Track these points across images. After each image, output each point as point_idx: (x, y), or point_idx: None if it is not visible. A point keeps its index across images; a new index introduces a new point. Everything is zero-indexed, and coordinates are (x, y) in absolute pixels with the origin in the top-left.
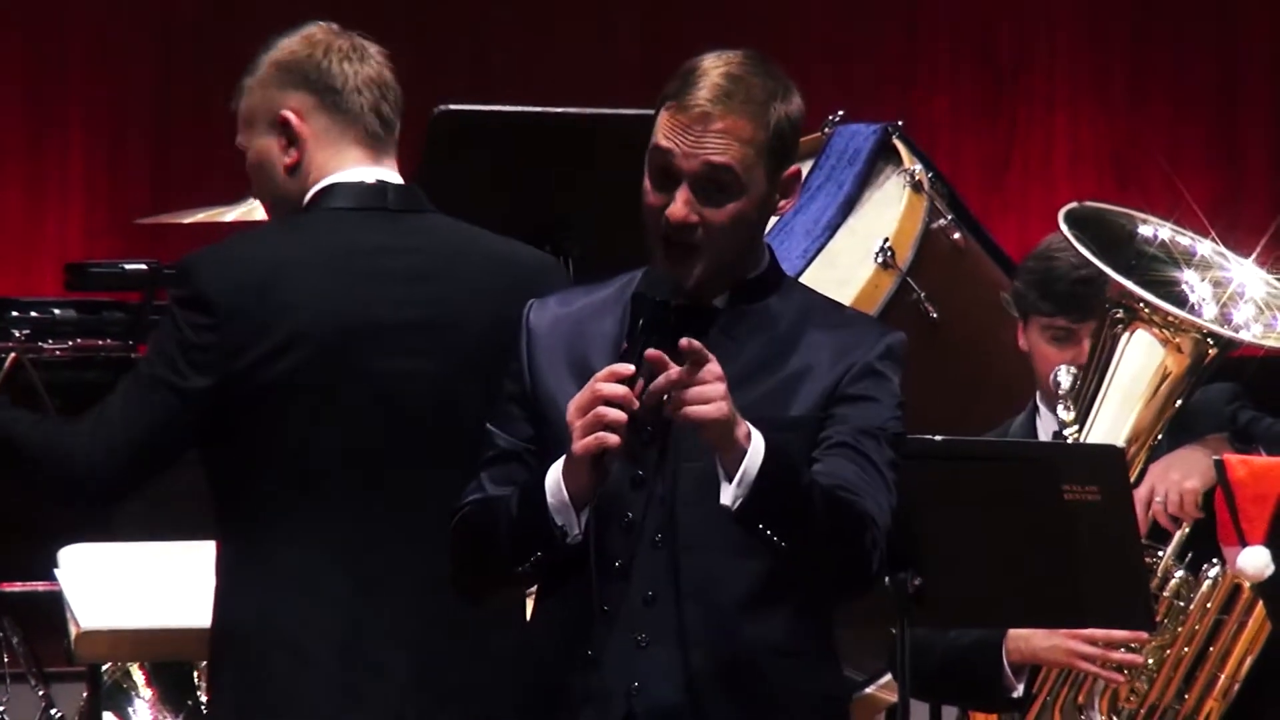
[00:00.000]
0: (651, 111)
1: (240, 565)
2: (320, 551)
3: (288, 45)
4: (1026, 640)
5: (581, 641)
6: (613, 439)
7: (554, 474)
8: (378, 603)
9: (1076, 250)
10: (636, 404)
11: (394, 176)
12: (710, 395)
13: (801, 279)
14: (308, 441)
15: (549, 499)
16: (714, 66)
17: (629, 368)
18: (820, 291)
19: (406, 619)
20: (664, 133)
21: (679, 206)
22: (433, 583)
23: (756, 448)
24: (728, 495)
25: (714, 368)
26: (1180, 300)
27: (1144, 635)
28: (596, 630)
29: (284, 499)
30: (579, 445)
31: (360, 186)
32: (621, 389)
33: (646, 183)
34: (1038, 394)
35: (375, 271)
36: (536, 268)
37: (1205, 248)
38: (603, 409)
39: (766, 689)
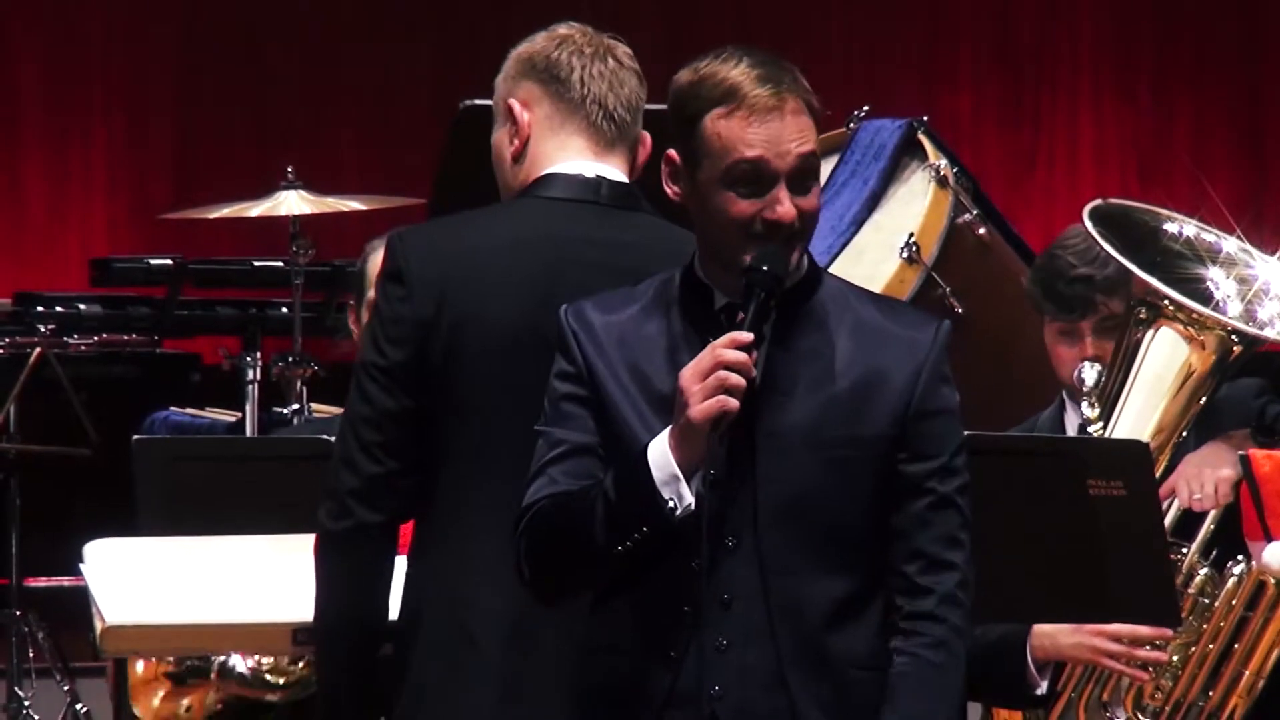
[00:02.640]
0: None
1: (423, 549)
2: (495, 537)
3: (530, 40)
4: (1051, 637)
5: (664, 642)
6: (734, 404)
7: (658, 447)
8: None
9: (1081, 247)
10: (754, 372)
11: (615, 173)
12: None
13: None
14: (483, 424)
15: (655, 473)
16: (735, 60)
17: (748, 336)
18: None
19: (575, 609)
20: (741, 142)
21: (788, 207)
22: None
23: None
24: None
25: None
26: (1205, 297)
27: (1169, 632)
28: (679, 631)
29: (461, 482)
30: (700, 410)
31: (578, 179)
32: (743, 355)
33: (729, 195)
34: (1064, 389)
35: (571, 261)
36: None
37: (1230, 245)
38: (725, 373)
39: (848, 694)
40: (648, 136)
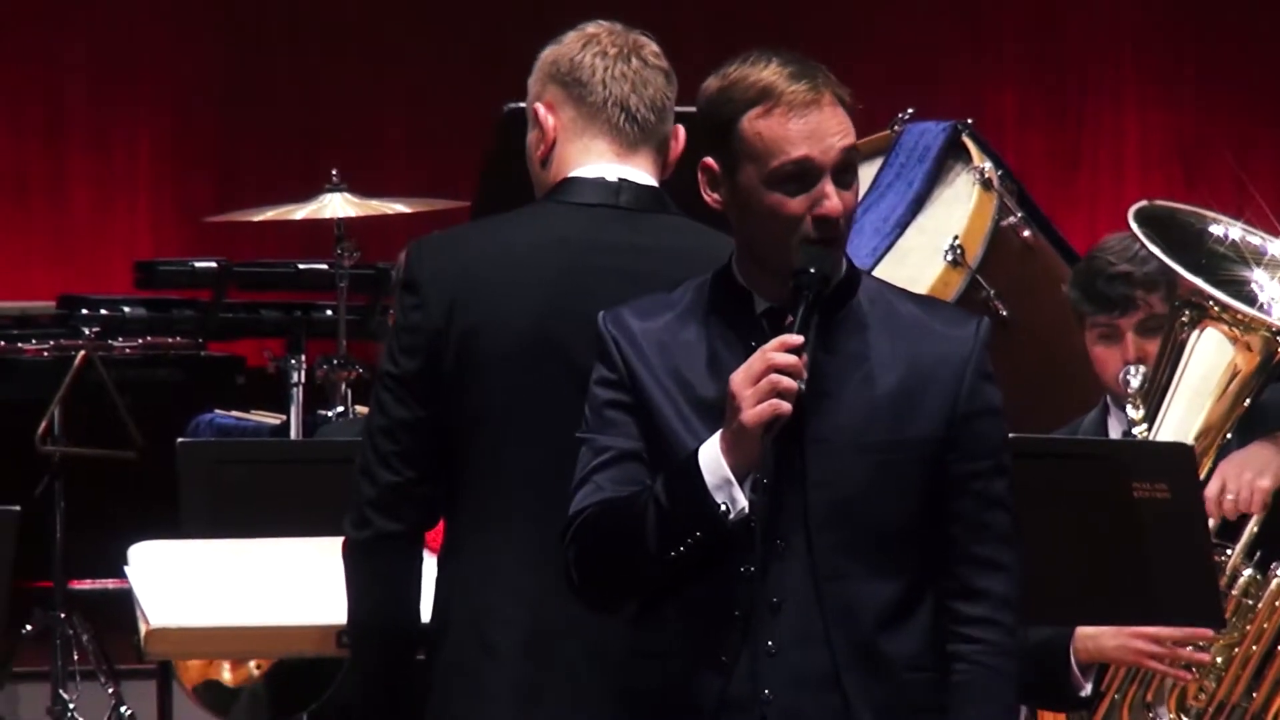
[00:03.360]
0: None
1: (447, 557)
2: (512, 545)
3: (558, 41)
4: (1095, 639)
5: (715, 647)
6: (787, 407)
7: (708, 451)
8: (562, 599)
9: (1119, 247)
10: (805, 375)
11: (640, 175)
12: None
13: None
14: (497, 431)
15: (707, 477)
16: (764, 61)
17: (798, 338)
18: None
19: (588, 616)
20: (785, 140)
21: (836, 201)
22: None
23: None
24: None
25: None
26: (1250, 299)
27: (1209, 633)
28: (729, 635)
29: (479, 490)
30: (753, 414)
31: (599, 183)
32: (794, 358)
33: (775, 196)
34: (1108, 393)
35: (583, 266)
36: None
37: (1276, 247)
38: (777, 377)
39: (902, 695)
40: (681, 130)
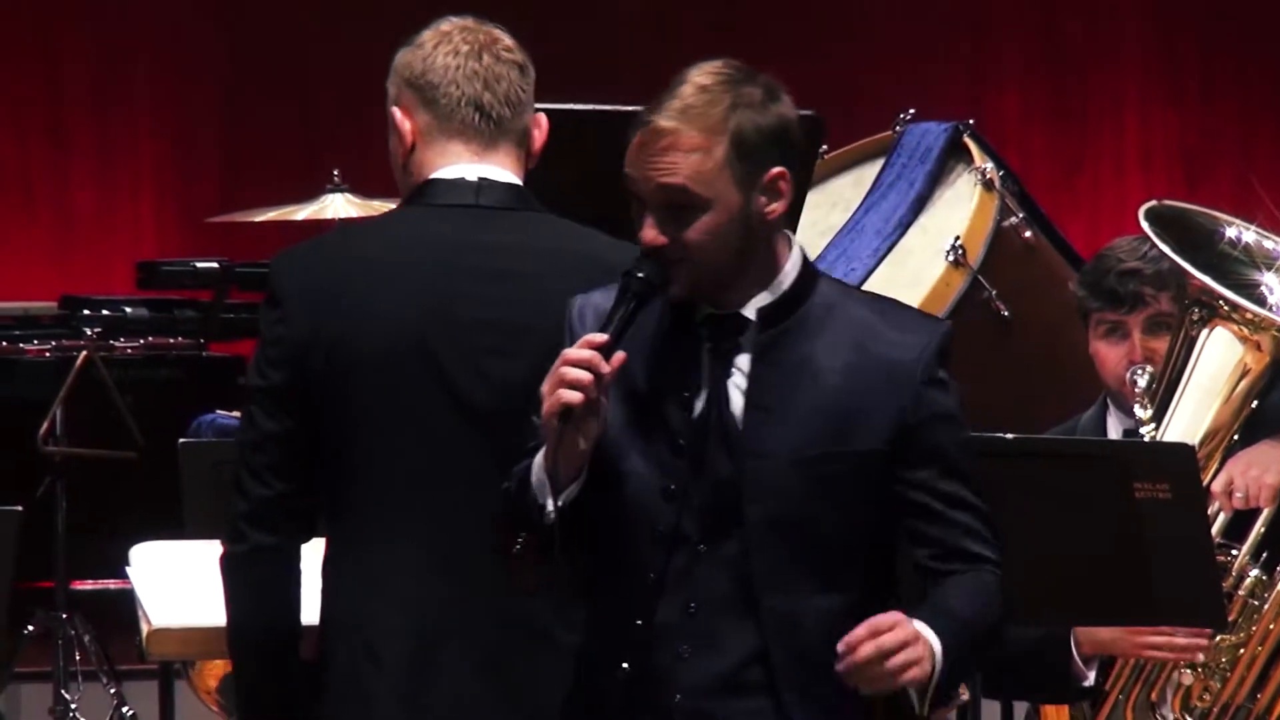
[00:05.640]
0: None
1: (330, 565)
2: (395, 552)
3: (411, 43)
4: (1093, 632)
5: (616, 651)
6: (572, 396)
7: (540, 452)
8: (450, 605)
9: (1129, 246)
10: (606, 368)
11: (500, 173)
12: (913, 658)
13: (872, 277)
14: (371, 438)
15: (533, 477)
16: (686, 80)
17: (601, 337)
18: (889, 290)
19: (479, 622)
20: (628, 156)
21: (647, 231)
22: (504, 585)
23: (939, 661)
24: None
25: (893, 633)
26: (1260, 301)
27: (1204, 641)
28: (632, 640)
29: (357, 499)
30: (544, 407)
31: (459, 184)
32: (586, 352)
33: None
34: (1106, 391)
35: (452, 268)
36: None
37: None
38: (565, 369)
39: (825, 696)
40: (543, 119)
